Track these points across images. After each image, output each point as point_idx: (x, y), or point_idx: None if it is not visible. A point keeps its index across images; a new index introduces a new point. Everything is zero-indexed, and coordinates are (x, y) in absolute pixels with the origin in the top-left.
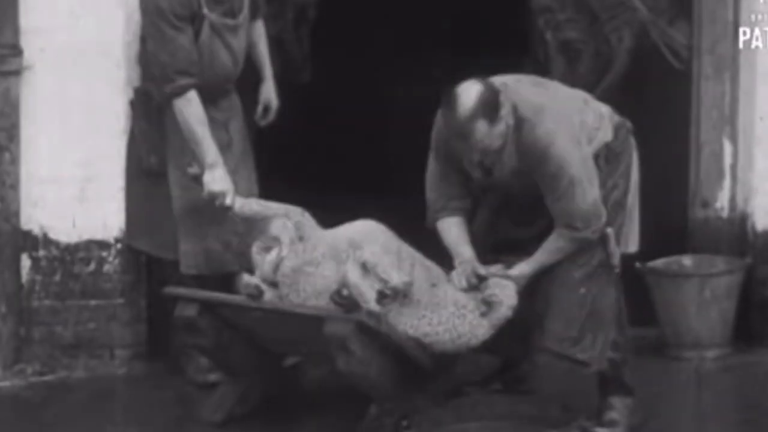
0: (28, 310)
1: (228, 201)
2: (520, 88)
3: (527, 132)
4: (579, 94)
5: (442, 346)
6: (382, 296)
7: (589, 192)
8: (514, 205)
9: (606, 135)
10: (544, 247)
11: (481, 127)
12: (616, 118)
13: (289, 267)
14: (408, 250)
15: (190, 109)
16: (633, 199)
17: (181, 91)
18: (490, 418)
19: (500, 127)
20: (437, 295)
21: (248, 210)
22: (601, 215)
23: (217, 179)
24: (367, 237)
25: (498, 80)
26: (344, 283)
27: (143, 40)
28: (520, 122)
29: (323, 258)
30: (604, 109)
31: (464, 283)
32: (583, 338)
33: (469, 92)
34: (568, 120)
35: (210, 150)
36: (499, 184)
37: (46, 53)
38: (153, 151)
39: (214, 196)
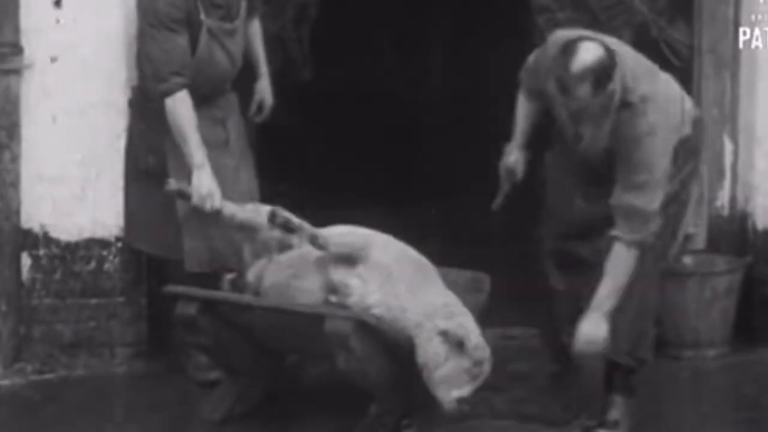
0: (28, 309)
1: (216, 203)
2: (636, 71)
3: (629, 117)
4: (677, 89)
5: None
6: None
7: (657, 198)
8: (591, 185)
9: (686, 129)
10: (611, 272)
11: (585, 89)
12: (695, 112)
13: (271, 282)
14: (403, 247)
15: (181, 109)
16: (699, 194)
17: (173, 91)
18: (490, 417)
19: (601, 99)
20: (422, 288)
21: (238, 218)
22: (656, 223)
23: (203, 181)
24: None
25: (618, 54)
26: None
27: (139, 38)
28: (625, 105)
29: (307, 270)
30: (688, 104)
31: None
32: (643, 335)
33: (590, 52)
34: (669, 118)
35: (198, 151)
36: (584, 153)
37: (46, 52)
38: (151, 151)
39: (202, 199)
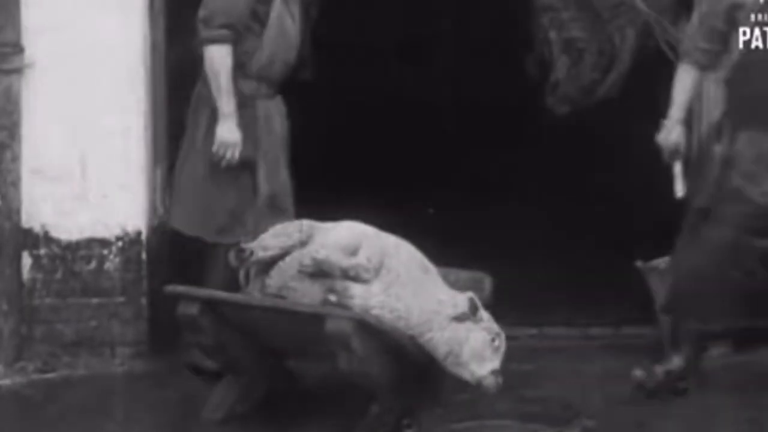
0: (30, 308)
1: (236, 155)
2: None
3: None
4: None
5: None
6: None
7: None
8: None
9: None
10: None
11: None
12: None
13: (274, 284)
14: (397, 243)
15: (221, 59)
16: None
17: (219, 41)
18: (490, 416)
19: None
20: (427, 284)
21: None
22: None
23: (230, 129)
24: (359, 245)
25: None
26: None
27: None
28: None
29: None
30: None
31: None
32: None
33: None
34: None
35: (230, 101)
36: None
37: (47, 51)
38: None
39: (224, 146)
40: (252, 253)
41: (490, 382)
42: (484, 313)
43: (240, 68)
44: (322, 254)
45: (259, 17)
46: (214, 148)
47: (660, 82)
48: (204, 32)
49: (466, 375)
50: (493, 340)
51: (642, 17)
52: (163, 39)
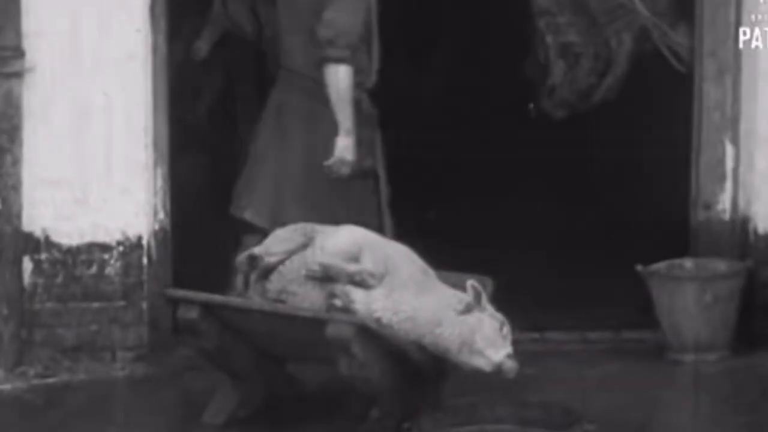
0: (30, 313)
1: (347, 171)
2: None
3: None
4: None
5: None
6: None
7: None
8: None
9: None
10: None
11: None
12: None
13: (274, 288)
14: (398, 248)
15: (349, 78)
16: None
17: (343, 61)
18: (491, 421)
19: None
20: (429, 286)
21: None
22: None
23: (349, 148)
24: (359, 250)
25: None
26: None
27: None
28: None
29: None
30: None
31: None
32: None
33: None
34: None
35: (351, 117)
36: None
37: (48, 55)
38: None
39: (341, 164)
40: (262, 259)
41: (510, 365)
42: (487, 303)
43: (358, 86)
44: (329, 259)
45: (367, 35)
46: (330, 162)
47: (659, 85)
48: (330, 52)
49: (482, 364)
50: (501, 326)
51: (639, 21)
52: (164, 41)
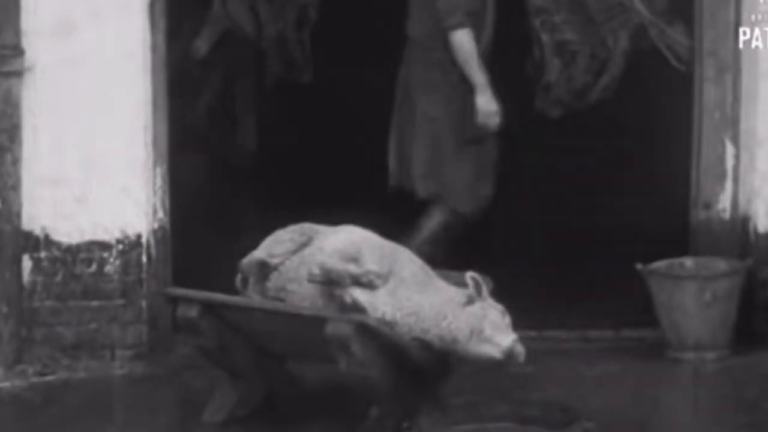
0: (30, 311)
1: (497, 120)
2: None
3: None
4: None
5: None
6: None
7: None
8: None
9: None
10: None
11: None
12: None
13: (273, 287)
14: (397, 249)
15: (467, 41)
16: None
17: (463, 26)
18: (490, 419)
19: None
20: (430, 283)
21: None
22: None
23: (489, 100)
24: (358, 250)
25: None
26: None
27: None
28: None
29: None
30: None
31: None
32: None
33: None
34: None
35: (482, 73)
36: None
37: (47, 54)
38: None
39: (488, 116)
40: (270, 265)
41: (519, 349)
42: (487, 295)
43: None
44: (329, 263)
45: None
46: (480, 119)
47: (658, 85)
48: (450, 20)
49: (492, 351)
50: (502, 315)
51: (635, 20)
52: (163, 40)
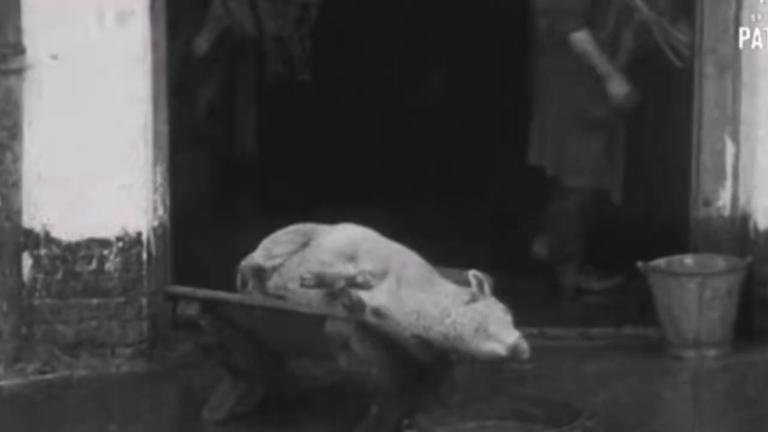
0: (30, 309)
1: (635, 99)
2: None
3: None
4: None
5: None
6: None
7: None
8: None
9: None
10: None
11: None
12: None
13: (273, 286)
14: (398, 248)
15: (587, 39)
16: None
17: (580, 28)
18: (491, 417)
19: None
20: (432, 281)
21: None
22: None
23: (619, 83)
24: (357, 249)
25: None
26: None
27: None
28: None
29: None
30: None
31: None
32: None
33: None
34: None
35: (606, 63)
36: None
37: (48, 52)
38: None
39: (620, 98)
40: (266, 270)
41: (524, 346)
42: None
43: None
44: (320, 268)
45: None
46: (614, 101)
47: (659, 82)
48: (569, 25)
49: (497, 348)
50: (504, 313)
51: (639, 18)
52: (164, 38)
